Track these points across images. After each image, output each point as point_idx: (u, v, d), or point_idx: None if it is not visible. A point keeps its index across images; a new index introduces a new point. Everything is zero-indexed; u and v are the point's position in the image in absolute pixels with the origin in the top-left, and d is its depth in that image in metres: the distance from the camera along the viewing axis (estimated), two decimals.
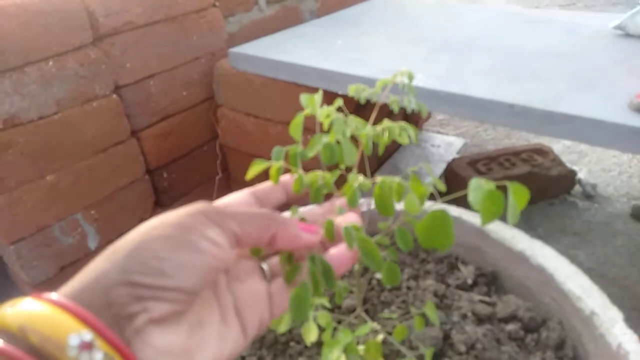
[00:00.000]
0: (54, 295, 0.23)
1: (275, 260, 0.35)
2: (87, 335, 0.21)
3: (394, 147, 1.62)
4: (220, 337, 0.28)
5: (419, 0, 1.58)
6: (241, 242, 0.28)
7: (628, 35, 1.04)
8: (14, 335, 0.21)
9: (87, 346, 0.21)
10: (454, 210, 0.69)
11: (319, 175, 0.37)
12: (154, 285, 0.24)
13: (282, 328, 0.55)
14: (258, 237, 0.29)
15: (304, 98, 0.41)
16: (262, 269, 0.33)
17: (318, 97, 0.41)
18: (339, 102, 0.40)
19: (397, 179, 0.36)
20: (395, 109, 0.42)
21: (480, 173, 1.37)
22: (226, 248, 0.27)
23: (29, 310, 0.22)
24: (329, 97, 0.43)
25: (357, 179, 0.35)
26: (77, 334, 0.21)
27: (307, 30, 1.31)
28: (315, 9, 1.57)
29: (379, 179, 0.36)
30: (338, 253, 0.33)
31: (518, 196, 0.29)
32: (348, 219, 0.34)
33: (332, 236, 0.33)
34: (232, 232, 0.27)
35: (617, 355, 0.48)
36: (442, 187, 0.34)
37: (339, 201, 0.38)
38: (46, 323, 0.21)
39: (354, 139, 0.38)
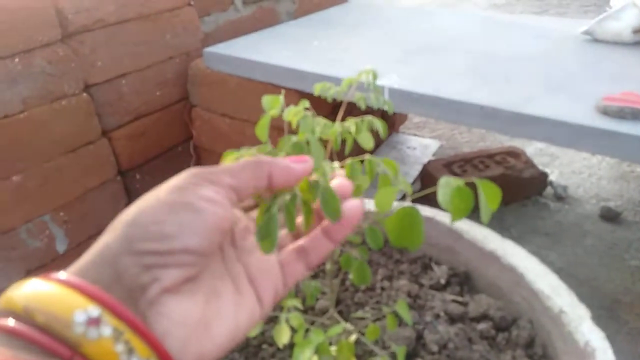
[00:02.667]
0: (61, 274, 0.23)
1: (282, 232, 0.34)
2: (95, 310, 0.21)
3: (370, 150, 1.63)
4: (236, 307, 0.28)
5: (396, 4, 1.59)
6: (241, 194, 0.28)
7: (596, 40, 1.07)
8: (20, 316, 0.21)
9: (94, 322, 0.21)
10: (428, 211, 0.70)
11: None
12: (159, 250, 0.23)
13: (254, 331, 0.54)
14: (255, 183, 0.28)
15: (266, 100, 0.40)
16: None
17: (282, 97, 0.41)
18: (305, 103, 0.40)
19: (367, 156, 0.35)
20: (362, 106, 0.42)
21: (455, 175, 1.38)
22: (225, 204, 0.26)
23: (35, 290, 0.22)
24: (307, 99, 0.43)
25: (331, 165, 0.35)
26: (84, 310, 0.21)
27: (283, 31, 1.31)
28: (292, 10, 1.57)
29: (348, 160, 0.36)
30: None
31: (489, 195, 0.29)
32: (338, 182, 0.33)
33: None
34: (228, 186, 0.27)
35: (584, 352, 0.48)
36: (409, 188, 0.34)
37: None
38: (51, 301, 0.21)
39: (324, 140, 0.38)
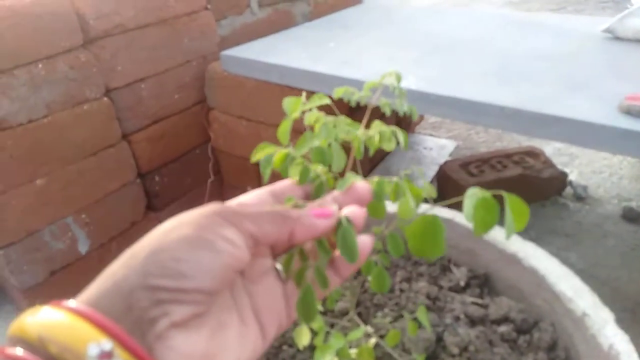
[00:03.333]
0: (72, 303, 0.23)
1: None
2: (107, 344, 0.21)
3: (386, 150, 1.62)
4: (241, 339, 0.28)
5: (410, 4, 1.59)
6: (259, 242, 0.28)
7: (617, 38, 1.05)
8: (33, 345, 0.21)
9: (106, 356, 0.21)
10: (447, 213, 0.69)
11: (321, 170, 0.36)
12: (173, 287, 0.23)
13: None
14: (276, 236, 0.28)
15: (287, 102, 0.40)
16: (277, 269, 0.32)
17: (302, 99, 0.40)
18: (323, 98, 0.39)
19: (394, 178, 0.35)
20: (387, 111, 0.42)
21: (472, 175, 1.37)
22: (243, 247, 0.26)
23: (48, 319, 0.22)
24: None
25: (354, 177, 0.35)
26: (97, 343, 0.21)
27: (299, 33, 1.31)
28: (307, 12, 1.57)
29: (375, 178, 0.36)
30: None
31: (517, 212, 0.28)
32: (351, 210, 0.33)
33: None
34: (249, 232, 0.27)
35: (608, 356, 0.48)
36: (433, 193, 0.33)
37: (330, 195, 0.37)
38: (65, 332, 0.21)
39: (345, 142, 0.38)
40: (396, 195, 0.35)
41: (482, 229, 0.28)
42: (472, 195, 0.28)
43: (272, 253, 0.32)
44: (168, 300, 0.23)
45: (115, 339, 0.22)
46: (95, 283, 0.24)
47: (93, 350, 0.21)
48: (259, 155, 0.37)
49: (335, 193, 0.34)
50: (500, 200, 0.28)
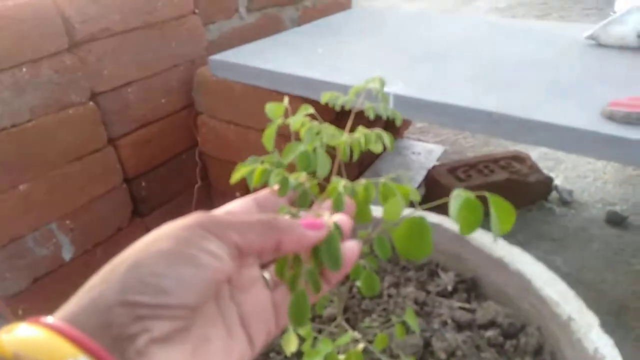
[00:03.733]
0: (49, 319, 0.22)
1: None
2: None
3: (374, 155, 1.63)
4: (226, 352, 0.27)
5: (399, 11, 1.60)
6: (243, 252, 0.27)
7: (600, 45, 1.07)
8: None
9: None
10: (434, 218, 0.70)
11: (304, 178, 0.36)
12: (153, 304, 0.23)
13: None
14: (261, 246, 0.28)
15: (269, 107, 0.40)
16: (264, 278, 0.32)
17: (285, 103, 0.41)
18: (308, 108, 0.40)
19: (382, 179, 0.35)
20: (371, 115, 0.42)
21: (460, 180, 1.38)
22: (227, 260, 0.26)
23: (24, 335, 0.21)
24: (312, 105, 0.43)
25: (341, 183, 0.35)
26: (73, 359, 0.21)
27: (288, 38, 1.31)
28: (296, 17, 1.57)
29: (363, 181, 0.36)
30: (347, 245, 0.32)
31: (502, 214, 0.28)
32: (338, 218, 0.33)
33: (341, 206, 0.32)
34: (233, 243, 0.26)
35: (594, 359, 0.48)
36: (417, 197, 0.34)
37: (325, 204, 0.37)
38: (41, 349, 0.21)
39: (330, 148, 0.38)
40: (384, 197, 0.35)
41: (467, 229, 0.29)
42: (457, 196, 0.28)
43: (259, 262, 0.32)
44: (148, 317, 0.23)
45: (93, 355, 0.21)
46: (73, 299, 0.24)
47: None
48: (236, 176, 0.37)
49: (328, 203, 0.34)
50: (485, 201, 0.28)
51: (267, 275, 0.32)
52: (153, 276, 0.23)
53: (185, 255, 0.24)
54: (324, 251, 0.30)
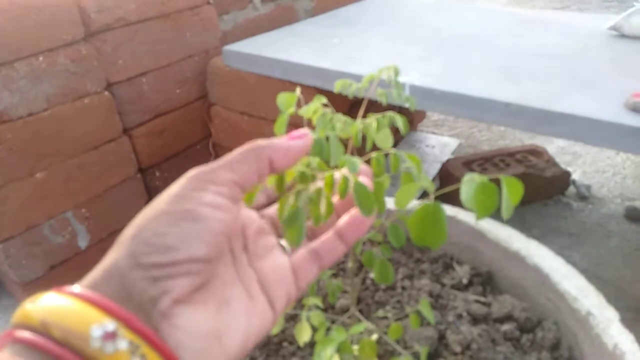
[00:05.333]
0: (76, 288, 0.23)
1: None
2: (110, 325, 0.21)
3: None
4: (248, 313, 0.28)
5: (414, 0, 1.58)
6: (244, 187, 0.27)
7: (623, 35, 1.04)
8: (37, 330, 0.21)
9: (110, 336, 0.21)
10: (449, 210, 0.69)
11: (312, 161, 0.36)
12: (163, 262, 0.23)
13: (275, 329, 0.54)
14: (257, 172, 0.28)
15: (281, 98, 0.40)
16: (281, 245, 0.32)
17: (298, 93, 0.40)
18: (321, 98, 0.39)
19: (391, 150, 0.34)
20: (384, 101, 0.41)
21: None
22: (228, 206, 0.26)
23: (51, 304, 0.22)
24: (325, 95, 0.43)
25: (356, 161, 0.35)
26: (100, 324, 0.21)
27: (302, 29, 1.30)
28: (310, 7, 1.56)
29: (373, 154, 0.35)
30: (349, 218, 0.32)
31: (512, 190, 0.28)
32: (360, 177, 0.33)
33: (343, 194, 0.32)
34: (230, 182, 0.26)
35: (613, 355, 0.47)
36: (431, 186, 0.33)
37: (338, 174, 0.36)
38: (68, 316, 0.21)
39: (344, 138, 0.38)
40: (395, 169, 0.34)
41: (484, 213, 0.28)
42: (470, 181, 0.28)
43: (275, 227, 0.33)
44: (163, 277, 0.23)
45: (119, 319, 0.22)
46: (90, 274, 0.24)
47: (96, 331, 0.21)
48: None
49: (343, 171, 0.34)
50: (497, 185, 0.28)
51: (283, 243, 0.33)
52: (157, 236, 0.24)
53: (182, 211, 0.25)
54: (357, 198, 0.30)
